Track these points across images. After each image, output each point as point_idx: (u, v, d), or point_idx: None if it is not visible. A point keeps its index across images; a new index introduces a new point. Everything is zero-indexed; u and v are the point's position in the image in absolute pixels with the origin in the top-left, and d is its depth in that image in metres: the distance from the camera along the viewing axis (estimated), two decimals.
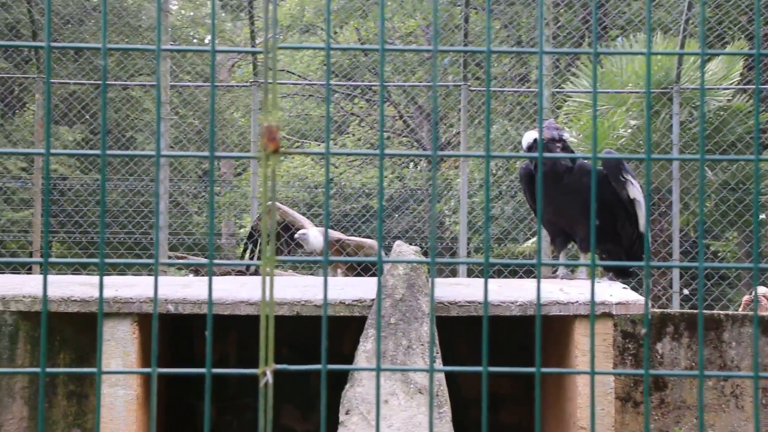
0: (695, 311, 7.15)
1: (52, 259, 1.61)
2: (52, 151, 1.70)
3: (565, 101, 11.80)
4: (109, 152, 1.59)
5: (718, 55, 11.61)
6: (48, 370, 1.65)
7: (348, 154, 2.03)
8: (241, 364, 6.92)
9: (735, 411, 6.91)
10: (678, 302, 10.58)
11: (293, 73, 20.84)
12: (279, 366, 1.58)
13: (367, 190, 17.95)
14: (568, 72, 12.97)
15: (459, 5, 12.13)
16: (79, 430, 6.32)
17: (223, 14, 19.96)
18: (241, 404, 6.99)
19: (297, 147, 20.18)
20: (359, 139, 20.18)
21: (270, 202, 1.67)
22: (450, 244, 14.62)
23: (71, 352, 6.36)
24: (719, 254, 13.51)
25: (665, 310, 7.16)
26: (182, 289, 5.79)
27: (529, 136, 6.35)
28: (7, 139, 14.73)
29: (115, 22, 14.95)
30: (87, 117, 13.98)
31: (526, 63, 16.36)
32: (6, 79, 14.12)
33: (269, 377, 1.54)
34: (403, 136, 20.31)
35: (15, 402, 6.37)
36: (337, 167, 19.56)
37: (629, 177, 6.34)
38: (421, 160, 19.11)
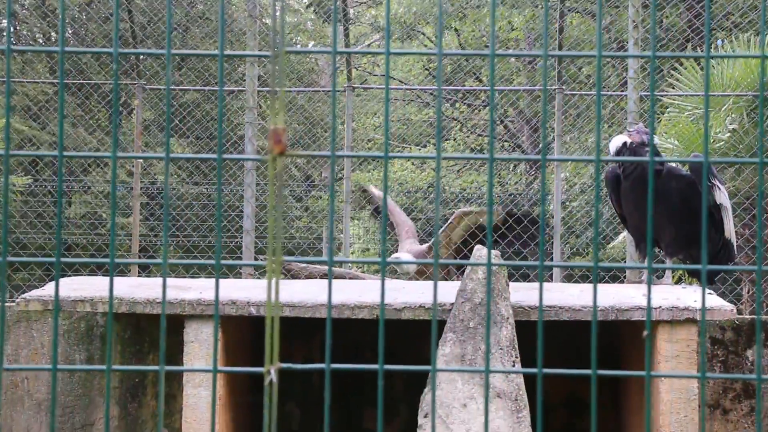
0: None
1: (65, 259, 1.68)
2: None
3: (664, 105, 11.61)
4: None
5: None
6: (60, 367, 1.71)
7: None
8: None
9: None
10: None
11: (394, 78, 20.95)
12: (284, 365, 1.62)
13: (466, 195, 17.94)
14: (671, 76, 12.78)
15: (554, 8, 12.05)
16: (166, 430, 6.47)
17: (312, 17, 20.16)
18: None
19: (398, 151, 20.29)
20: (460, 144, 20.19)
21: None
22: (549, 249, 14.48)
23: (159, 352, 6.51)
24: None
25: (756, 316, 7.02)
26: (264, 292, 5.88)
27: (618, 140, 6.33)
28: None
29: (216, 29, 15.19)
30: (192, 123, 14.27)
31: (626, 65, 16.16)
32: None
33: (273, 376, 1.57)
34: (504, 141, 20.24)
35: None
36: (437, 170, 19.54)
37: (716, 182, 6.25)
38: (519, 166, 19.01)
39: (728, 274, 10.72)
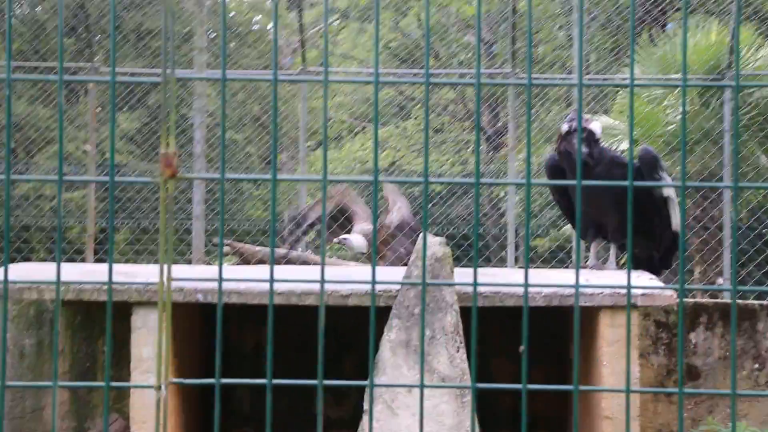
0: (729, 301, 7.13)
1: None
2: None
3: (617, 89, 11.72)
4: (13, 176, 1.69)
5: None
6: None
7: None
8: (277, 351, 7.04)
9: None
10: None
11: (355, 59, 20.96)
12: (175, 380, 1.67)
13: (429, 174, 17.97)
14: (627, 56, 12.89)
15: None
16: (117, 414, 6.51)
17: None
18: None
19: (361, 130, 20.34)
20: (420, 123, 20.23)
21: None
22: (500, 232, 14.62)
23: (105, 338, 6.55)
24: None
25: (699, 300, 7.15)
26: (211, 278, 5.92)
27: (562, 128, 6.41)
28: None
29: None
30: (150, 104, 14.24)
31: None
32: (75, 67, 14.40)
33: (164, 391, 1.62)
34: (464, 120, 20.30)
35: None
36: (398, 150, 19.62)
37: (664, 174, 6.32)
38: (482, 145, 19.07)
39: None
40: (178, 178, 1.57)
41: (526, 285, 2.38)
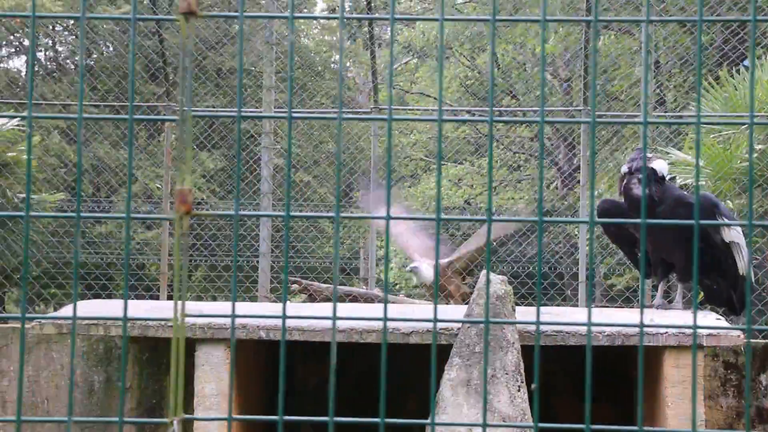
0: None
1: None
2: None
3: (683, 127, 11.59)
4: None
5: None
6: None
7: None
8: (339, 388, 7.07)
9: None
10: None
11: (429, 96, 21.05)
12: (187, 416, 1.70)
13: (502, 211, 17.98)
14: (694, 92, 12.73)
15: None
16: None
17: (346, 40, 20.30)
18: None
19: (434, 166, 20.32)
20: (497, 161, 20.21)
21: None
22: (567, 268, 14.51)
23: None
24: None
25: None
26: (273, 314, 5.98)
27: (623, 170, 6.35)
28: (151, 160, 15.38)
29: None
30: (227, 143, 14.44)
31: (662, 84, 16.15)
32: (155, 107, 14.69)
33: (176, 427, 1.65)
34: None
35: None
36: (473, 188, 19.62)
37: (723, 219, 6.15)
38: (557, 182, 19.02)
39: (756, 298, 10.63)
40: (193, 214, 1.60)
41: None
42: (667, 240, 6.25)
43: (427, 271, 8.43)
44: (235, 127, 13.94)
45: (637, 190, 6.11)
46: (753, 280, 6.45)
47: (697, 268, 2.13)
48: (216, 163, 16.46)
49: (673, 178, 9.78)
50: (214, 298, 13.47)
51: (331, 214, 1.67)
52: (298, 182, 15.31)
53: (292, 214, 1.63)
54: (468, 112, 17.95)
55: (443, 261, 8.54)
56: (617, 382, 6.72)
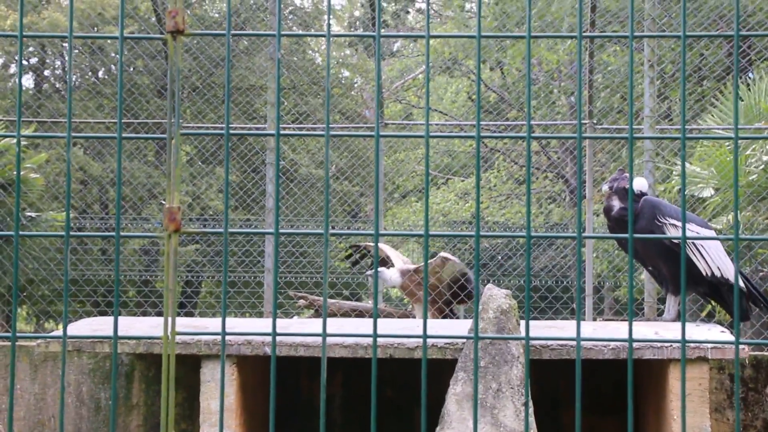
0: None
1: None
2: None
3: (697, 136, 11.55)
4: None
5: None
6: None
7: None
8: (346, 403, 7.07)
9: None
10: None
11: (438, 111, 21.08)
12: None
13: (509, 225, 17.97)
14: (712, 105, 12.73)
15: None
16: None
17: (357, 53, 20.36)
18: None
19: (441, 181, 20.40)
20: (503, 174, 20.21)
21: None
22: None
23: (183, 390, 6.64)
24: None
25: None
26: (281, 330, 5.98)
27: (603, 189, 6.69)
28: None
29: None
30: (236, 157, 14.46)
31: (667, 98, 16.15)
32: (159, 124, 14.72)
33: None
34: (548, 171, 20.25)
35: None
36: (481, 202, 19.62)
37: (666, 220, 6.28)
38: (565, 196, 19.02)
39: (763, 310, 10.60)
40: (182, 232, 1.61)
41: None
42: (652, 254, 6.42)
43: (391, 274, 8.44)
44: (245, 141, 13.98)
45: (616, 208, 6.49)
46: (750, 287, 6.42)
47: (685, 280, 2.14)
48: (230, 176, 16.51)
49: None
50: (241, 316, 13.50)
51: (319, 231, 1.68)
52: (303, 197, 15.33)
53: (281, 231, 1.64)
54: (472, 126, 17.95)
55: (412, 267, 8.55)
56: (619, 391, 6.72)
